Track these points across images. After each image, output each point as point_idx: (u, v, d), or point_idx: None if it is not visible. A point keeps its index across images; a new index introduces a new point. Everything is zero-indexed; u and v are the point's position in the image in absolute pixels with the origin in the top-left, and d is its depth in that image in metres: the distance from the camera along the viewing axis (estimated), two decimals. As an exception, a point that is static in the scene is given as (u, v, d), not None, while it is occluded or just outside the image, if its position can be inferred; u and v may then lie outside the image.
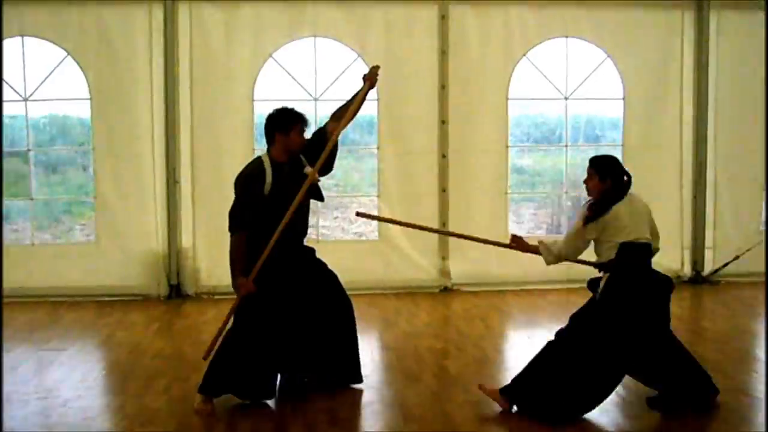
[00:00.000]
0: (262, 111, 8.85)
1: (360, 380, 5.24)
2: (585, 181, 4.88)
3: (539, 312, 7.61)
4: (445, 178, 8.51)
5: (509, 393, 4.76)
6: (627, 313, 4.54)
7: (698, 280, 8.87)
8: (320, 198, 5.13)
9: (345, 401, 5.05)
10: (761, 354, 6.10)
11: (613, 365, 4.54)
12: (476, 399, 4.96)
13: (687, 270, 8.92)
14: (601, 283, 4.66)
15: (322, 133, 5.11)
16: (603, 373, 4.54)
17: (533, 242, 5.20)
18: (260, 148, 8.20)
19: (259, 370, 4.86)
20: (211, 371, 4.86)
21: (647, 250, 4.75)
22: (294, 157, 4.98)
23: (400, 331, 6.89)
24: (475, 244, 8.67)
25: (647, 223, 4.81)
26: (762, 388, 5.21)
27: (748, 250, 8.69)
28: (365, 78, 5.13)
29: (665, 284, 4.75)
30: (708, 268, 8.90)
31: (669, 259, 8.79)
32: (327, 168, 5.09)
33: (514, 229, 10.91)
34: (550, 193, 11.29)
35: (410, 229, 8.42)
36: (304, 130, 4.99)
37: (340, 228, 12.05)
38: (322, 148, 4.96)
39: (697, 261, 8.90)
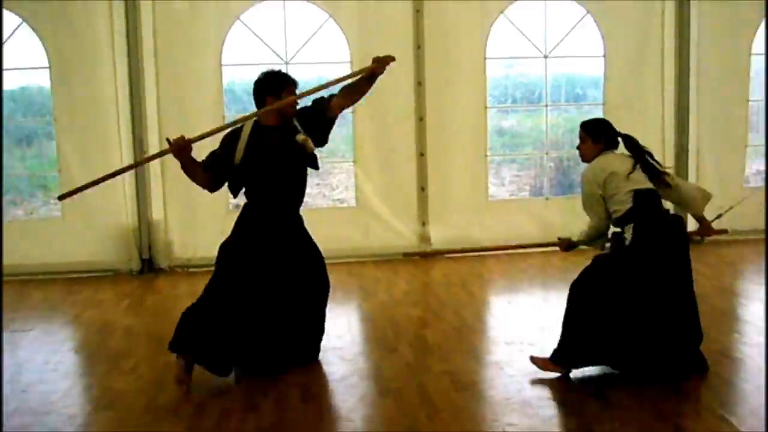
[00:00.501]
0: (232, 76, 8.62)
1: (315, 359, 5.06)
2: (578, 147, 4.83)
3: (520, 276, 7.44)
4: (423, 142, 8.27)
5: (560, 359, 4.66)
6: (661, 256, 4.56)
7: (682, 239, 8.71)
8: (315, 166, 5.01)
9: (319, 375, 4.88)
10: (744, 314, 5.97)
11: (644, 309, 4.50)
12: (454, 369, 4.81)
13: (671, 229, 8.75)
14: (627, 235, 4.55)
15: (322, 103, 4.90)
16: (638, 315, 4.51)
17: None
18: (231, 115, 7.95)
19: (223, 334, 4.65)
20: (179, 325, 4.71)
21: (657, 195, 4.69)
22: (287, 120, 4.80)
23: (379, 300, 6.69)
24: (456, 207, 8.67)
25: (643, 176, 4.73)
26: (744, 348, 5.08)
27: (731, 208, 8.49)
28: (376, 61, 4.74)
29: (681, 224, 4.85)
30: (690, 227, 8.72)
31: (652, 219, 8.65)
32: (322, 140, 4.94)
33: (497, 192, 10.72)
34: (531, 155, 11.05)
35: (388, 194, 8.32)
36: (295, 92, 4.81)
37: (321, 195, 11.84)
38: (320, 118, 4.85)
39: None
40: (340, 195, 10.76)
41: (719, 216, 8.73)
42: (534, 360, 4.76)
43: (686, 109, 8.58)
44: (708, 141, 8.65)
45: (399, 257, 8.19)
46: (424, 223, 8.40)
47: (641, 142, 8.58)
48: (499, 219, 8.49)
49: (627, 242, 4.53)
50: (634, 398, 4.28)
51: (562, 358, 4.64)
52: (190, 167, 4.77)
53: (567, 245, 5.14)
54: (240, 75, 8.70)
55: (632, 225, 4.53)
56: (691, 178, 8.67)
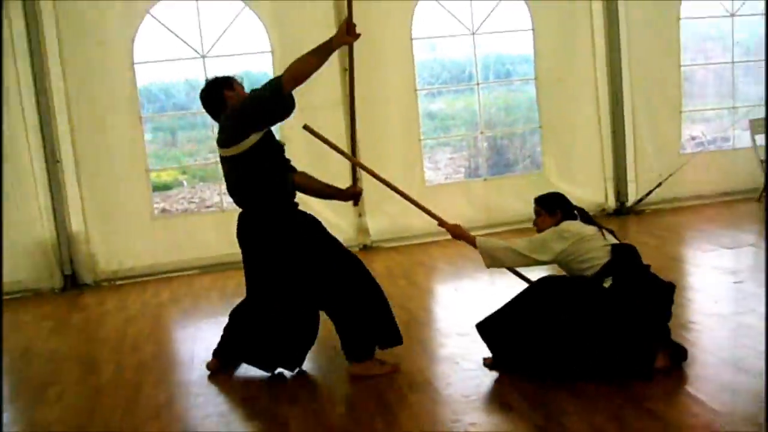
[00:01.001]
0: (146, 75, 8.13)
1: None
2: (534, 223, 4.58)
3: (465, 261, 7.15)
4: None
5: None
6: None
7: (623, 211, 8.61)
8: None
9: (260, 385, 4.52)
10: (694, 282, 5.81)
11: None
12: (407, 367, 4.52)
13: (611, 202, 8.65)
14: (606, 284, 4.23)
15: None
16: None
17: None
18: (148, 115, 7.49)
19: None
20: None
21: (635, 250, 4.39)
22: None
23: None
24: (393, 196, 8.33)
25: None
26: (702, 319, 4.92)
27: (670, 176, 8.45)
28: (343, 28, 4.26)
29: (669, 290, 4.33)
30: (632, 197, 8.63)
31: (593, 192, 8.53)
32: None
33: (433, 177, 10.47)
34: (465, 136, 10.82)
35: (318, 175, 7.90)
36: (240, 84, 4.62)
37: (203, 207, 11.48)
38: None
39: (621, 192, 8.63)
40: (215, 203, 10.31)
41: (659, 184, 8.71)
42: (486, 361, 4.51)
43: (619, 80, 8.44)
44: (643, 110, 8.54)
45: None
46: (360, 215, 8.09)
47: (576, 116, 8.61)
48: (437, 204, 8.06)
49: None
50: (602, 385, 4.04)
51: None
52: None
53: (465, 237, 4.75)
54: (156, 74, 8.24)
55: (611, 278, 4.22)
56: (628, 148, 8.56)
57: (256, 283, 4.62)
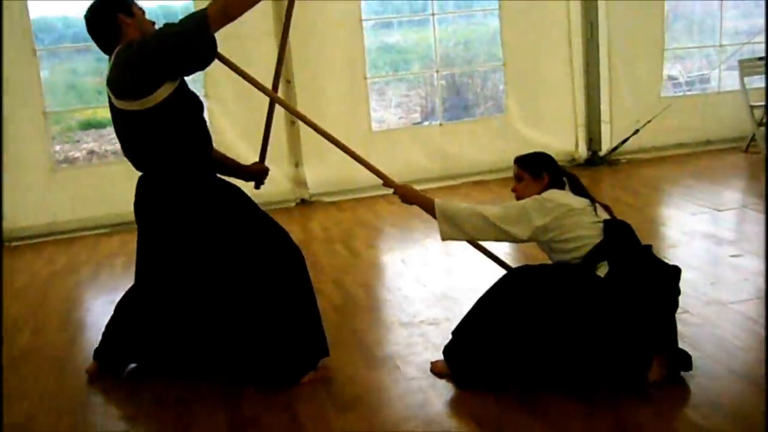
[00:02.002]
0: (38, 8, 6.88)
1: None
2: (514, 189, 3.57)
3: (416, 223, 6.17)
4: (288, 66, 6.82)
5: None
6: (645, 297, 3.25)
7: (595, 161, 7.66)
8: None
9: (151, 399, 3.53)
10: (683, 254, 4.90)
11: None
12: (333, 376, 3.55)
13: (582, 150, 7.70)
14: (601, 273, 3.29)
15: None
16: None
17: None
18: (43, 48, 6.30)
19: None
20: None
21: (630, 228, 3.46)
22: None
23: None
24: (331, 145, 7.29)
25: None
26: (692, 306, 4.02)
27: (648, 122, 7.49)
28: None
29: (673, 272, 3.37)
30: (606, 146, 7.68)
31: (562, 140, 7.57)
32: None
33: (382, 121, 9.37)
34: (419, 75, 9.70)
35: (250, 132, 6.86)
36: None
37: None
38: None
39: (593, 139, 7.67)
40: None
41: (636, 131, 7.77)
42: (435, 367, 3.56)
43: (594, 12, 7.41)
44: (621, 47, 7.52)
45: (268, 207, 6.85)
46: (297, 165, 7.04)
47: (545, 51, 7.58)
48: (386, 152, 7.17)
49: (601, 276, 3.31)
50: (576, 403, 3.13)
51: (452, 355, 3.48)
52: None
53: (418, 201, 3.66)
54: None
55: (606, 263, 3.27)
56: (603, 90, 7.56)
57: (152, 269, 3.59)
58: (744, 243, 5.02)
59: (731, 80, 8.04)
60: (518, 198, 3.54)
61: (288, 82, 6.83)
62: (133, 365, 3.81)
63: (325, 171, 7.02)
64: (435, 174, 7.28)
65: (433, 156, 7.34)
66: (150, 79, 3.22)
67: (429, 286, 4.68)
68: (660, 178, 7.01)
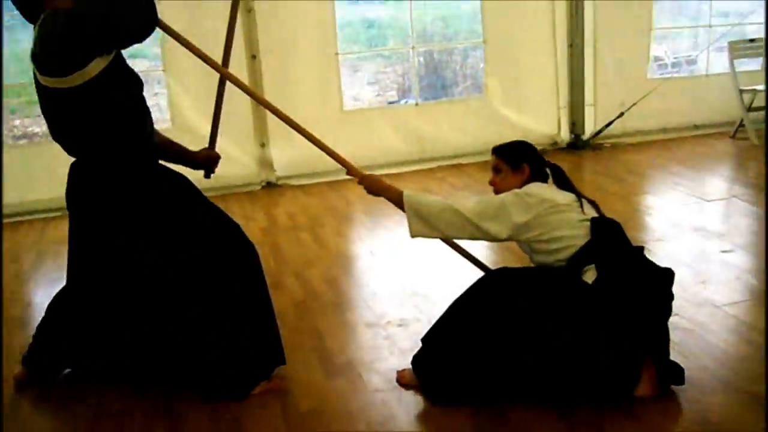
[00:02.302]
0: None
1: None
2: (491, 182, 3.22)
3: (388, 210, 5.79)
4: (254, 40, 6.41)
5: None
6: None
7: (578, 145, 7.32)
8: None
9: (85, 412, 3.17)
10: (672, 250, 4.58)
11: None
12: (288, 387, 3.20)
13: (565, 134, 7.37)
14: (588, 278, 2.92)
15: None
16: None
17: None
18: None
19: None
20: None
21: (620, 227, 3.11)
22: None
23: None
24: (303, 122, 6.85)
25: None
26: (682, 308, 3.67)
27: (634, 104, 7.15)
28: None
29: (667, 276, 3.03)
30: (589, 129, 7.34)
31: (543, 122, 7.24)
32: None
33: (354, 100, 8.96)
34: (394, 51, 9.26)
35: (210, 110, 6.47)
36: None
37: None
38: None
39: (576, 122, 7.32)
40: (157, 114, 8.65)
41: (621, 114, 7.44)
42: (402, 378, 3.21)
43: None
44: (606, 25, 7.15)
45: (233, 191, 6.50)
46: (263, 145, 6.65)
47: (527, 28, 7.20)
48: (358, 133, 6.84)
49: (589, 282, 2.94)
50: (548, 417, 2.81)
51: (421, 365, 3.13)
52: None
53: (385, 193, 3.28)
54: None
55: (593, 266, 2.92)
56: (587, 71, 7.21)
57: (85, 266, 3.20)
58: (734, 237, 4.70)
59: (720, 62, 7.71)
60: (496, 192, 3.19)
61: (253, 57, 6.43)
62: (66, 372, 3.43)
63: (293, 152, 6.60)
64: (410, 156, 6.93)
65: (408, 137, 6.97)
66: (79, 52, 2.81)
67: (399, 281, 4.33)
68: (645, 163, 6.68)
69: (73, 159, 3.13)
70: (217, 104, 3.48)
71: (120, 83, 2.96)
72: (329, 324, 3.85)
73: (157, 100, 7.49)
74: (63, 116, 2.98)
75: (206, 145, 3.57)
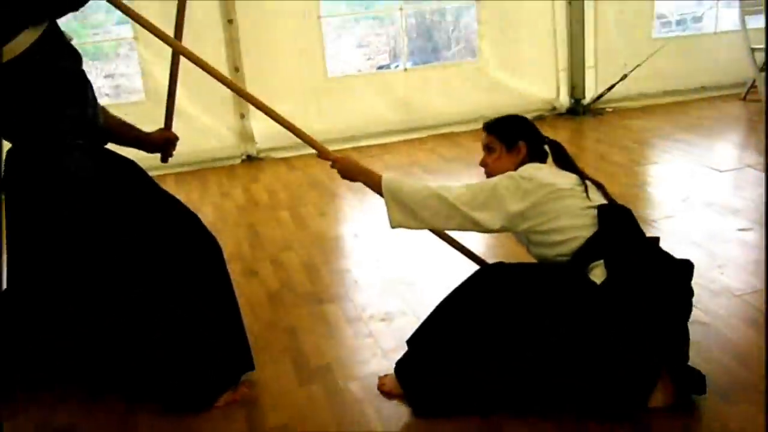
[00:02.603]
0: None
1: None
2: (482, 163, 2.86)
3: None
4: (230, 5, 5.97)
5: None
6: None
7: (578, 110, 6.91)
8: None
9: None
10: (683, 228, 4.19)
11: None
12: (255, 397, 2.83)
13: (564, 98, 6.95)
14: (596, 277, 2.51)
15: None
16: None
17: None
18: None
19: None
20: None
21: (631, 214, 2.67)
22: None
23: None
24: (284, 90, 6.48)
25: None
26: (698, 298, 3.30)
27: (638, 66, 6.72)
28: None
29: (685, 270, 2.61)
30: (590, 94, 6.91)
31: (541, 86, 6.82)
32: None
33: (339, 64, 8.48)
34: (381, 12, 8.75)
35: (189, 79, 6.03)
36: None
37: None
38: None
39: (576, 86, 6.89)
40: (117, 83, 8.21)
41: (624, 76, 7.01)
42: (383, 385, 2.84)
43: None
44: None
45: (210, 165, 6.11)
46: (243, 116, 6.24)
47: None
48: (343, 101, 6.43)
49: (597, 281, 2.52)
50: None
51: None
52: None
53: (361, 177, 2.89)
54: None
55: (601, 262, 2.51)
56: (588, 30, 6.77)
57: (26, 266, 2.80)
58: (751, 212, 4.30)
59: (729, 19, 7.26)
60: (488, 174, 2.79)
61: (230, 21, 5.99)
62: (5, 382, 3.06)
63: (274, 123, 6.19)
64: (398, 126, 6.52)
65: (396, 105, 6.56)
66: (3, 22, 2.40)
67: (384, 268, 3.95)
68: (650, 130, 6.26)
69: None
70: (171, 80, 3.06)
71: (53, 59, 2.55)
72: (305, 318, 3.47)
73: (128, 71, 7.07)
74: None
75: (167, 125, 3.16)
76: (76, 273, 2.71)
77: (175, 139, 3.12)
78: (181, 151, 5.90)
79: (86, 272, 2.71)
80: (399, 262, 3.98)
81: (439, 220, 2.68)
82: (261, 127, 6.21)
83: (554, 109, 6.87)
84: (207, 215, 5.05)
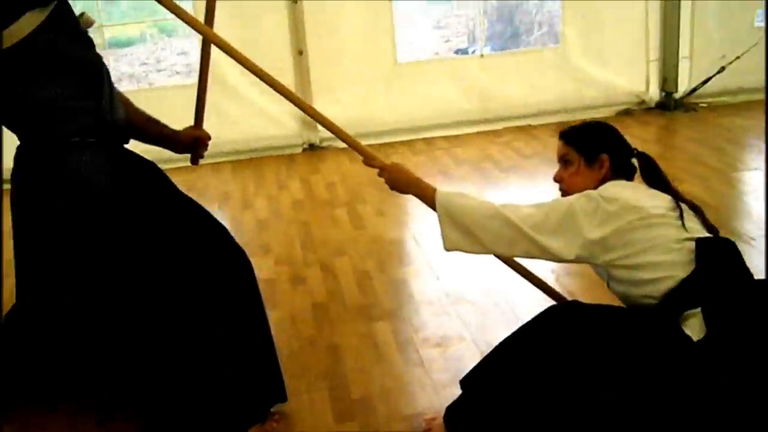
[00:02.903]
0: None
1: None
2: (557, 178, 2.41)
3: (443, 182, 5.00)
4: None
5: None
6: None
7: (669, 105, 6.33)
8: None
9: None
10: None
11: None
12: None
13: (654, 91, 6.40)
14: (692, 331, 2.05)
15: None
16: None
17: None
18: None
19: None
20: None
21: (736, 249, 2.19)
22: None
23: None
24: (351, 75, 6.13)
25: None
26: None
27: (737, 58, 6.11)
28: None
29: None
30: (683, 87, 6.33)
31: (629, 78, 6.32)
32: None
33: (410, 49, 8.07)
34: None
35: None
36: None
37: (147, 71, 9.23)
38: None
39: (668, 78, 6.32)
40: (189, 60, 7.93)
41: (722, 69, 6.41)
42: (429, 430, 2.45)
43: None
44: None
45: (269, 153, 5.82)
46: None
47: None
48: (414, 88, 6.05)
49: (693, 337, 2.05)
50: None
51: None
52: None
53: (412, 189, 2.49)
54: None
55: (699, 312, 2.04)
56: (683, 17, 6.19)
57: (39, 281, 2.51)
58: None
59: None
60: (564, 192, 2.36)
61: (294, 1, 5.64)
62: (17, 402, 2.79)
63: (339, 110, 5.82)
64: (472, 116, 6.10)
65: (471, 94, 6.13)
66: (2, 2, 2.09)
67: (443, 282, 3.55)
68: (749, 129, 5.66)
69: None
70: (202, 72, 2.70)
71: (61, 45, 2.22)
72: (351, 337, 3.12)
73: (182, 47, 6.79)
74: None
75: (197, 122, 2.80)
76: (88, 289, 2.41)
77: (207, 138, 2.76)
78: (238, 138, 5.80)
79: (99, 289, 2.40)
80: (461, 276, 3.57)
81: (502, 244, 2.26)
82: (325, 113, 5.82)
83: (642, 102, 6.33)
84: (260, 210, 4.76)
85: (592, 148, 2.34)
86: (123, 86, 8.89)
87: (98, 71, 2.33)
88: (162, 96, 5.50)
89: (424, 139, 5.92)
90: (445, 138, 5.94)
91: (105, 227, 2.32)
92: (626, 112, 6.24)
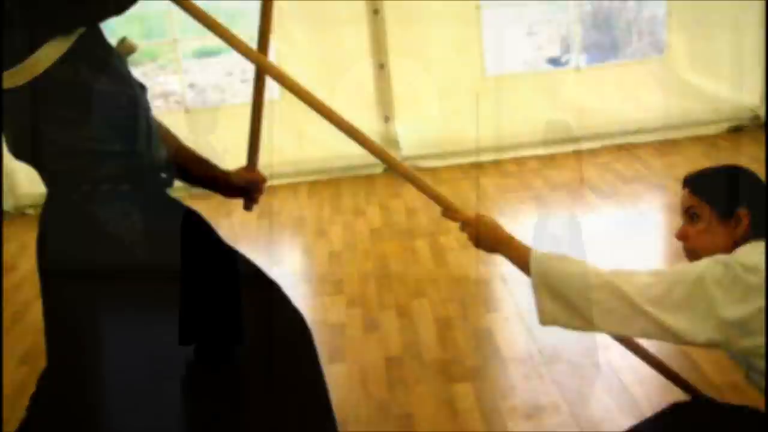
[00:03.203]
0: None
1: None
2: (680, 235, 1.92)
3: (537, 206, 4.57)
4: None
5: None
6: None
7: (787, 122, 5.73)
8: None
9: None
10: None
11: None
12: None
13: (770, 106, 5.80)
14: None
15: None
16: None
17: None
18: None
19: None
20: None
21: None
22: None
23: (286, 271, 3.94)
24: (435, 90, 5.78)
25: None
26: None
27: None
28: None
29: None
30: (805, 101, 5.73)
31: (741, 91, 5.74)
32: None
33: (501, 61, 7.63)
34: (552, 2, 7.74)
35: (328, 78, 5.42)
36: None
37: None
38: None
39: (789, 91, 5.73)
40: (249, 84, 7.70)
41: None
42: None
43: None
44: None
45: (351, 174, 5.49)
46: (387, 119, 5.56)
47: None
48: (502, 103, 5.58)
49: None
50: None
51: None
52: None
53: (501, 247, 2.04)
54: None
55: None
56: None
57: (71, 343, 2.21)
58: None
59: None
60: (689, 253, 1.90)
61: (375, 12, 5.33)
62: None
63: (422, 128, 5.54)
64: (565, 134, 5.63)
65: (564, 109, 5.66)
66: (20, 30, 1.80)
67: (536, 334, 3.12)
68: None
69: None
70: (255, 106, 2.36)
71: (89, 77, 1.91)
72: (428, 403, 2.73)
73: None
74: (17, 124, 1.98)
75: (251, 162, 2.46)
76: (127, 360, 2.10)
77: (262, 181, 2.41)
78: (315, 156, 5.49)
79: (139, 359, 2.09)
80: (557, 328, 3.14)
81: (613, 322, 1.82)
82: (407, 131, 5.52)
83: (757, 118, 5.74)
84: (334, 239, 4.43)
85: (728, 200, 1.87)
86: (207, 97, 8.76)
87: (134, 106, 2.01)
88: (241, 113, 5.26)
89: (513, 159, 5.49)
90: (536, 158, 5.50)
91: (136, 290, 2.01)
92: (737, 129, 5.67)
